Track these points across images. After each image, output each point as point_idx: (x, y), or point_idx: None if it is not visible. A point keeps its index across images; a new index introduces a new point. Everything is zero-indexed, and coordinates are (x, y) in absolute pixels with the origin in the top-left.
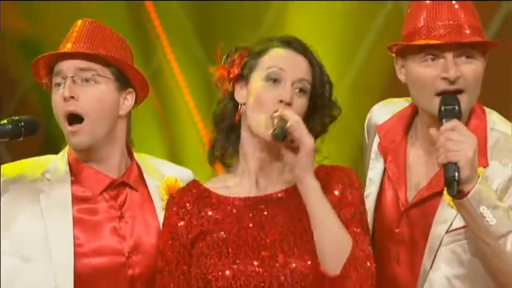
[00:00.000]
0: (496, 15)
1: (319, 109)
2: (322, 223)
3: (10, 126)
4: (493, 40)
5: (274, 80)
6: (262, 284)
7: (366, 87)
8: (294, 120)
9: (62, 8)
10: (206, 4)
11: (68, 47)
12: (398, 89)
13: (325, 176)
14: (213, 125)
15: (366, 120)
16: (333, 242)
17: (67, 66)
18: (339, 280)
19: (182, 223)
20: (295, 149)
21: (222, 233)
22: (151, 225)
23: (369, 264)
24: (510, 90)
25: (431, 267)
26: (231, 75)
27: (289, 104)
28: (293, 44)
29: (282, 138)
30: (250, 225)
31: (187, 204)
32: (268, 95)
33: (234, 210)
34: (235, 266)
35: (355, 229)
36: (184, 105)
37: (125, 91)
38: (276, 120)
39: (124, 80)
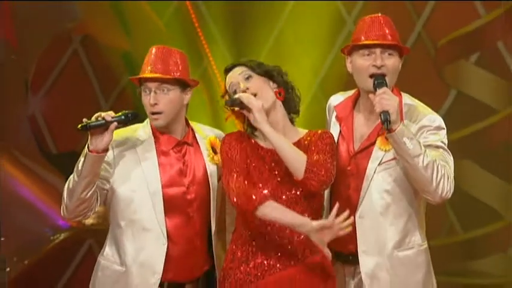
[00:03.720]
0: (413, 32)
1: (270, 78)
2: (281, 147)
3: (123, 117)
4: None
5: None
6: (283, 195)
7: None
8: (240, 95)
9: (149, 32)
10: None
11: (149, 70)
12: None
13: (315, 133)
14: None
15: (327, 105)
16: (291, 157)
17: (151, 84)
18: (303, 182)
19: (239, 148)
20: (249, 112)
21: (261, 162)
22: (201, 166)
23: (323, 172)
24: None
25: (368, 187)
26: None
27: (245, 90)
28: (230, 67)
29: (231, 105)
30: (274, 163)
31: (242, 140)
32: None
33: (262, 153)
34: (267, 184)
35: (315, 155)
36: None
37: (186, 90)
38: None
39: (185, 85)
